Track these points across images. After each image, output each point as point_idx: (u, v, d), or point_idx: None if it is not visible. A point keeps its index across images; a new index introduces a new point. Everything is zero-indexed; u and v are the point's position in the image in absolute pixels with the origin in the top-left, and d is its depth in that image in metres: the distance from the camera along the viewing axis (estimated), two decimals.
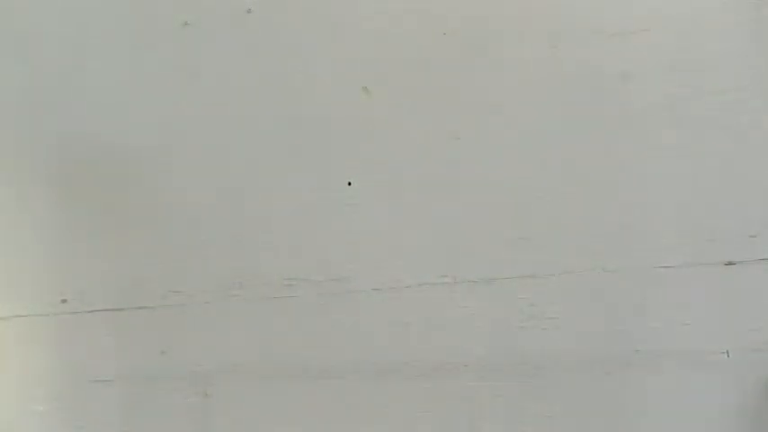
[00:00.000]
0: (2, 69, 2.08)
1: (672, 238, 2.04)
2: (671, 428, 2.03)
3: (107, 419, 2.08)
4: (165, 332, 2.08)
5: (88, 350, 2.07)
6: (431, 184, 2.06)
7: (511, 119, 2.05)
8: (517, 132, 2.05)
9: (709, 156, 2.03)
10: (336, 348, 1.97)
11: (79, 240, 2.07)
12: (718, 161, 2.03)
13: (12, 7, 2.08)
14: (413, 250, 1.94)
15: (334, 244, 2.03)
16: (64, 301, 2.08)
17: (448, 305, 2.01)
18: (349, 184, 2.07)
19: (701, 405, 2.04)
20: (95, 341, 2.06)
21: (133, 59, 2.06)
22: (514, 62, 2.05)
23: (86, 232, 2.07)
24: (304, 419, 2.08)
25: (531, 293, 2.06)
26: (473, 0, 2.05)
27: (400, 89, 2.04)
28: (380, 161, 1.96)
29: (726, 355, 2.05)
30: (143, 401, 2.08)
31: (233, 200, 2.07)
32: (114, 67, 2.06)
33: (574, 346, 2.05)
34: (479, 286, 2.06)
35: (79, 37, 2.06)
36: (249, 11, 2.06)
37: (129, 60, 2.06)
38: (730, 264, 2.04)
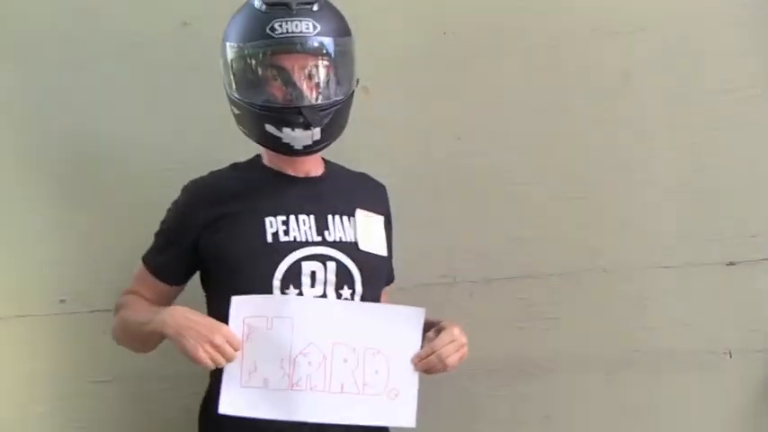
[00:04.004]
0: (2, 69, 2.08)
1: (672, 238, 2.04)
2: (671, 428, 2.04)
3: (107, 419, 2.08)
4: None
5: (88, 350, 2.07)
6: (431, 184, 2.06)
7: (511, 119, 2.05)
8: (517, 132, 2.05)
9: (709, 156, 2.03)
10: None
11: (79, 240, 2.07)
12: (719, 161, 2.03)
13: (12, 7, 2.08)
14: (413, 250, 1.94)
15: None
16: (63, 301, 2.07)
17: (448, 305, 2.01)
18: None
19: (702, 405, 2.04)
20: (95, 341, 2.06)
21: (133, 59, 2.06)
22: (514, 62, 2.05)
23: (86, 232, 2.07)
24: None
25: (530, 293, 2.06)
26: (473, 0, 2.06)
27: (400, 89, 2.04)
28: (381, 161, 1.96)
29: (726, 355, 2.05)
30: (143, 401, 2.08)
31: None
32: (114, 66, 2.06)
33: (574, 346, 2.05)
34: (479, 286, 2.06)
35: (79, 37, 2.06)
36: None
37: (129, 60, 2.06)
38: (731, 264, 2.04)
